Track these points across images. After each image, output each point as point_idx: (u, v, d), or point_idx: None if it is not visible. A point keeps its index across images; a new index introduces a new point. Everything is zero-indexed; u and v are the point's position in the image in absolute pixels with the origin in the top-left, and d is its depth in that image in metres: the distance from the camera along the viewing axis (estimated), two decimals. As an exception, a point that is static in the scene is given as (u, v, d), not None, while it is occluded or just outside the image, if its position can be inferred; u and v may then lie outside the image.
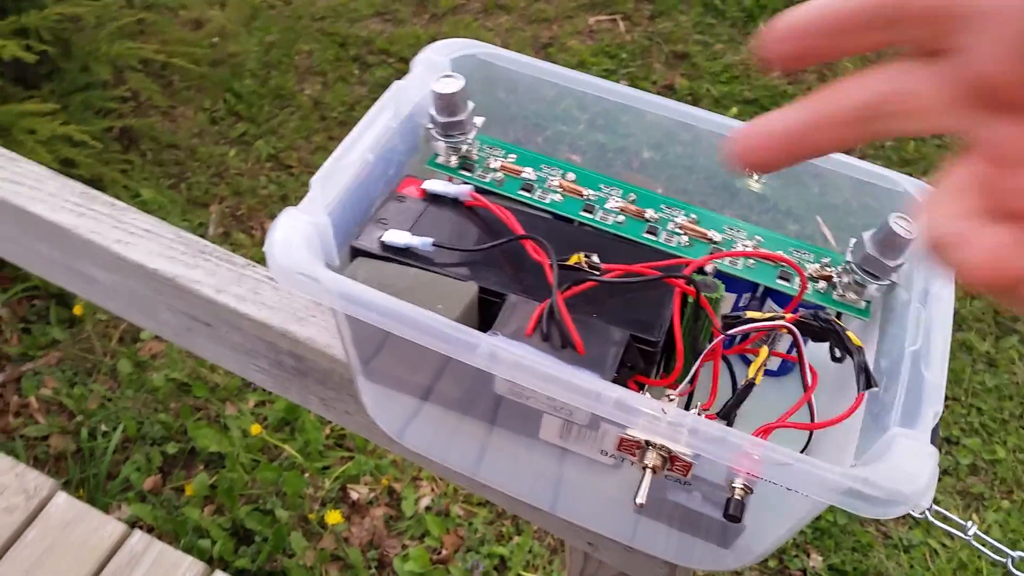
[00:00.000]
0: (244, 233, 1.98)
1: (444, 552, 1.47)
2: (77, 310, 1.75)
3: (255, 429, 1.56)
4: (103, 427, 1.59)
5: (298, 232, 0.41)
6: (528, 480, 0.52)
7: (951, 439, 1.67)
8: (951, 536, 1.52)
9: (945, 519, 0.60)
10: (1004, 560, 0.51)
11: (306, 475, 1.54)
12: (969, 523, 0.60)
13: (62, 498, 1.18)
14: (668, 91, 2.36)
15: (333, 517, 1.46)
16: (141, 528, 1.22)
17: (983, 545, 0.58)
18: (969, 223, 0.23)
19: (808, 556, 1.50)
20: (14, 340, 1.72)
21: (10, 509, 1.14)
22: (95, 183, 1.89)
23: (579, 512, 0.53)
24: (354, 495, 1.53)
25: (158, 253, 0.59)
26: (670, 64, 2.44)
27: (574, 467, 0.47)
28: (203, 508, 1.49)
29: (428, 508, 1.52)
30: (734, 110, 2.29)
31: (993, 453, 1.66)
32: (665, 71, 2.41)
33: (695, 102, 2.32)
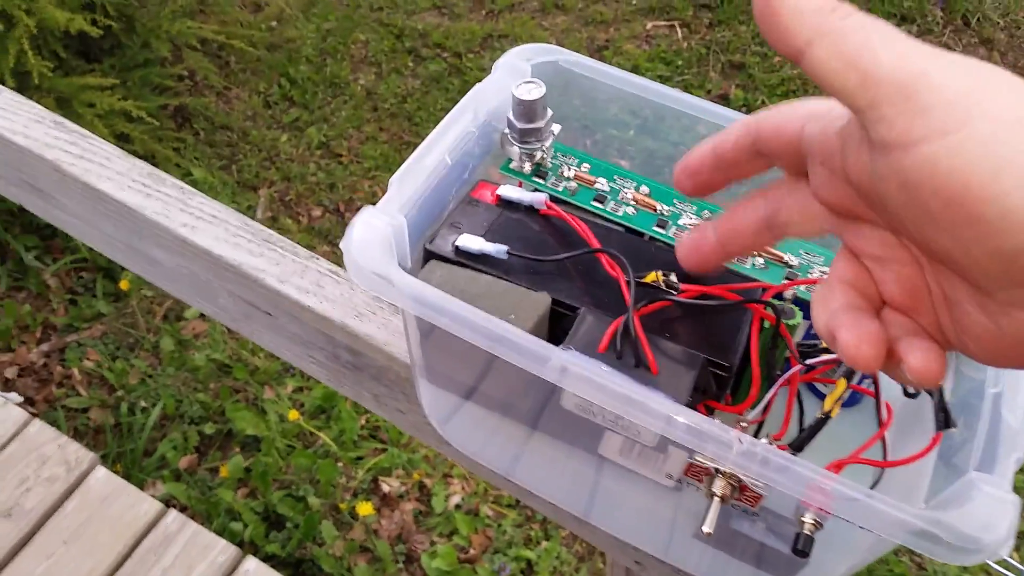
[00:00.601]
0: (291, 219, 1.99)
1: (472, 552, 1.47)
2: (123, 284, 1.77)
3: (292, 415, 1.57)
4: (142, 403, 1.61)
5: (376, 232, 0.41)
6: (566, 487, 0.52)
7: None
8: (990, 575, 1.49)
9: (1006, 565, 0.58)
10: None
11: (339, 464, 1.54)
12: (1025, 568, 0.59)
13: (101, 472, 1.19)
14: (722, 101, 2.33)
15: (364, 508, 1.47)
16: (175, 507, 1.23)
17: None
18: (846, 315, 0.29)
19: (839, 582, 1.48)
20: (61, 311, 1.75)
21: (52, 479, 1.16)
22: (148, 159, 1.91)
23: (615, 524, 0.52)
24: (385, 488, 1.54)
25: (224, 239, 0.59)
26: (726, 74, 2.42)
27: (626, 482, 0.47)
28: (237, 491, 1.50)
29: (458, 506, 1.52)
30: (789, 124, 2.26)
31: (1034, 489, 1.62)
32: (721, 80, 2.39)
33: (749, 114, 2.30)
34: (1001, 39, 2.48)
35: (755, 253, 0.34)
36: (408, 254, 0.44)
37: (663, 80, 2.38)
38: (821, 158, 0.29)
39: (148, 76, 2.00)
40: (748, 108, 2.30)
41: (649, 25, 2.58)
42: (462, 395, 0.49)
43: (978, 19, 2.52)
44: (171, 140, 2.04)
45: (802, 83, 2.37)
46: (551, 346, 0.38)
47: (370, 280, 0.39)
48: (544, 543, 1.48)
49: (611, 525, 0.52)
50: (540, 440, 0.49)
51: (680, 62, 2.44)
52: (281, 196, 2.05)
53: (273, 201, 2.03)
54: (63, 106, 1.69)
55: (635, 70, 2.43)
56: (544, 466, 0.52)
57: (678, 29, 2.56)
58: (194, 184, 2.01)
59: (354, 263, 0.39)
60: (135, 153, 1.89)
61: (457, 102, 0.50)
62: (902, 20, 2.52)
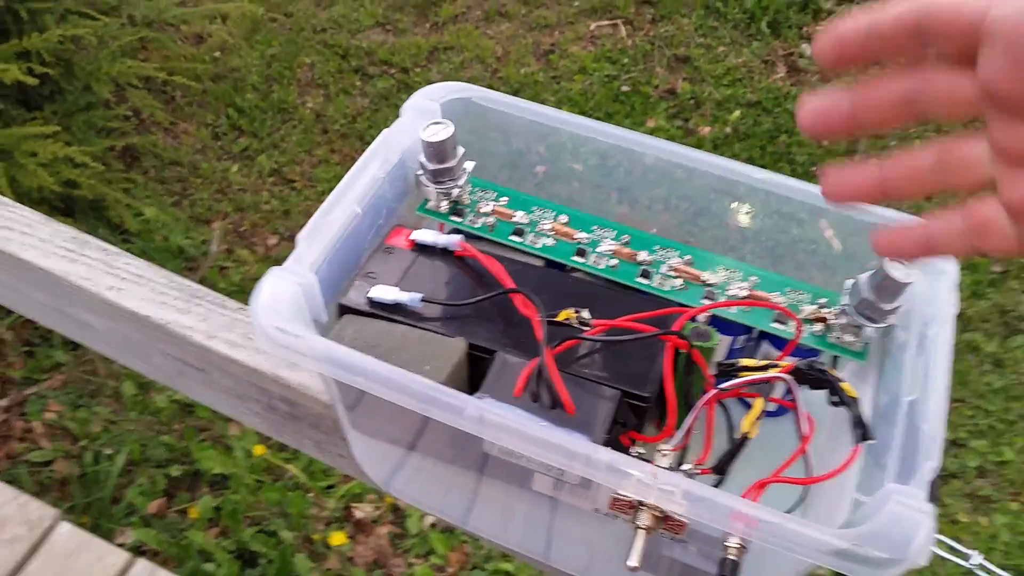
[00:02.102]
0: (247, 249, 1.98)
1: (450, 570, 1.47)
2: (81, 331, 1.74)
3: (258, 450, 1.56)
4: (107, 450, 1.59)
5: (284, 293, 0.41)
6: (521, 530, 0.52)
7: (958, 442, 1.66)
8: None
9: (949, 548, 0.59)
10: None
11: (310, 495, 1.53)
12: (972, 552, 0.59)
13: (65, 528, 1.18)
14: (670, 95, 2.35)
15: (337, 538, 1.46)
16: (145, 554, 1.22)
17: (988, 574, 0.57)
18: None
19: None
20: (18, 364, 1.72)
21: (12, 541, 1.14)
22: (98, 203, 1.89)
23: (574, 563, 0.52)
24: (358, 514, 1.53)
25: (150, 299, 0.58)
26: (672, 68, 2.43)
27: (568, 517, 0.47)
28: (207, 531, 1.49)
29: (433, 525, 1.52)
30: (736, 113, 2.28)
31: (1000, 455, 1.64)
32: (667, 75, 2.41)
33: (698, 106, 2.31)
34: None
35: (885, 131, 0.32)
36: (323, 311, 0.44)
37: (610, 80, 2.38)
38: (1006, 45, 0.26)
39: (92, 119, 1.97)
40: (696, 101, 2.32)
41: (593, 25, 2.58)
42: (390, 443, 0.49)
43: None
44: (120, 181, 2.02)
45: (747, 72, 2.38)
46: (465, 396, 0.38)
47: (280, 343, 0.39)
48: (523, 555, 1.48)
49: (572, 565, 0.52)
50: (487, 485, 0.49)
51: (626, 60, 2.45)
52: (235, 227, 2.04)
53: (228, 233, 2.02)
54: (5, 158, 1.67)
55: (582, 72, 2.43)
56: (495, 512, 0.51)
57: (621, 27, 2.57)
58: (146, 223, 2.00)
59: (261, 328, 0.39)
60: (83, 199, 1.84)
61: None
62: None
